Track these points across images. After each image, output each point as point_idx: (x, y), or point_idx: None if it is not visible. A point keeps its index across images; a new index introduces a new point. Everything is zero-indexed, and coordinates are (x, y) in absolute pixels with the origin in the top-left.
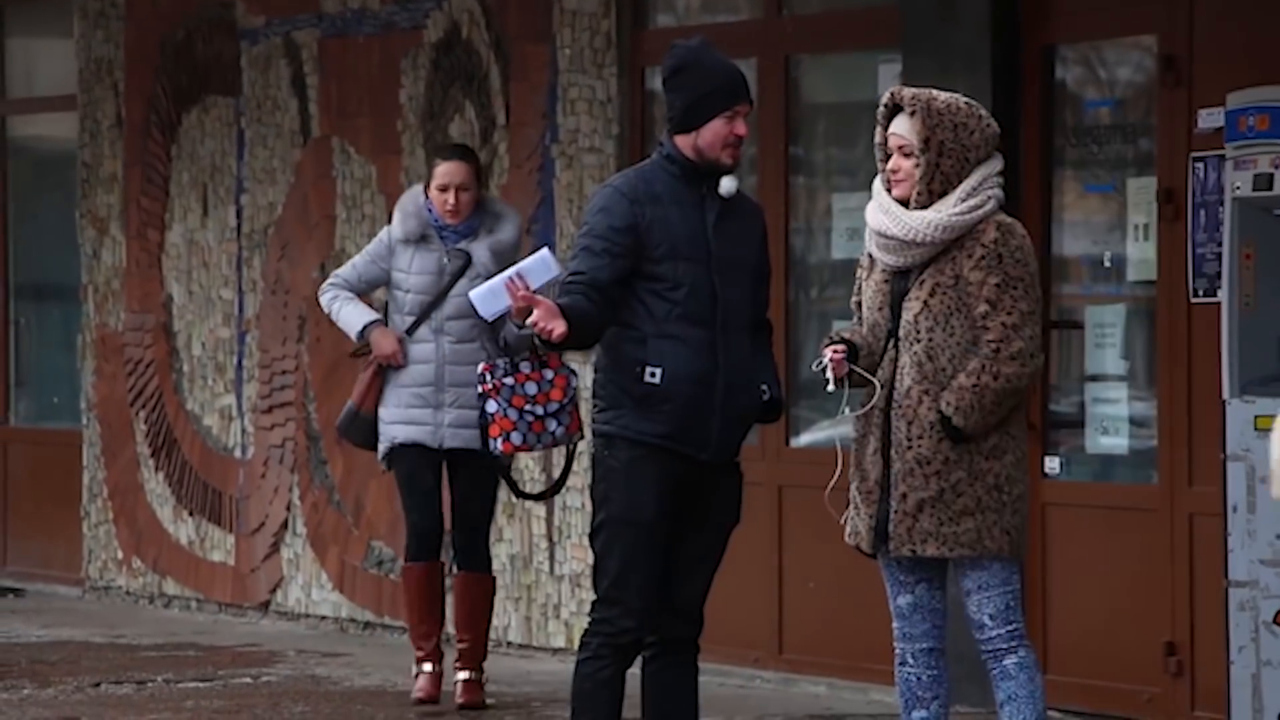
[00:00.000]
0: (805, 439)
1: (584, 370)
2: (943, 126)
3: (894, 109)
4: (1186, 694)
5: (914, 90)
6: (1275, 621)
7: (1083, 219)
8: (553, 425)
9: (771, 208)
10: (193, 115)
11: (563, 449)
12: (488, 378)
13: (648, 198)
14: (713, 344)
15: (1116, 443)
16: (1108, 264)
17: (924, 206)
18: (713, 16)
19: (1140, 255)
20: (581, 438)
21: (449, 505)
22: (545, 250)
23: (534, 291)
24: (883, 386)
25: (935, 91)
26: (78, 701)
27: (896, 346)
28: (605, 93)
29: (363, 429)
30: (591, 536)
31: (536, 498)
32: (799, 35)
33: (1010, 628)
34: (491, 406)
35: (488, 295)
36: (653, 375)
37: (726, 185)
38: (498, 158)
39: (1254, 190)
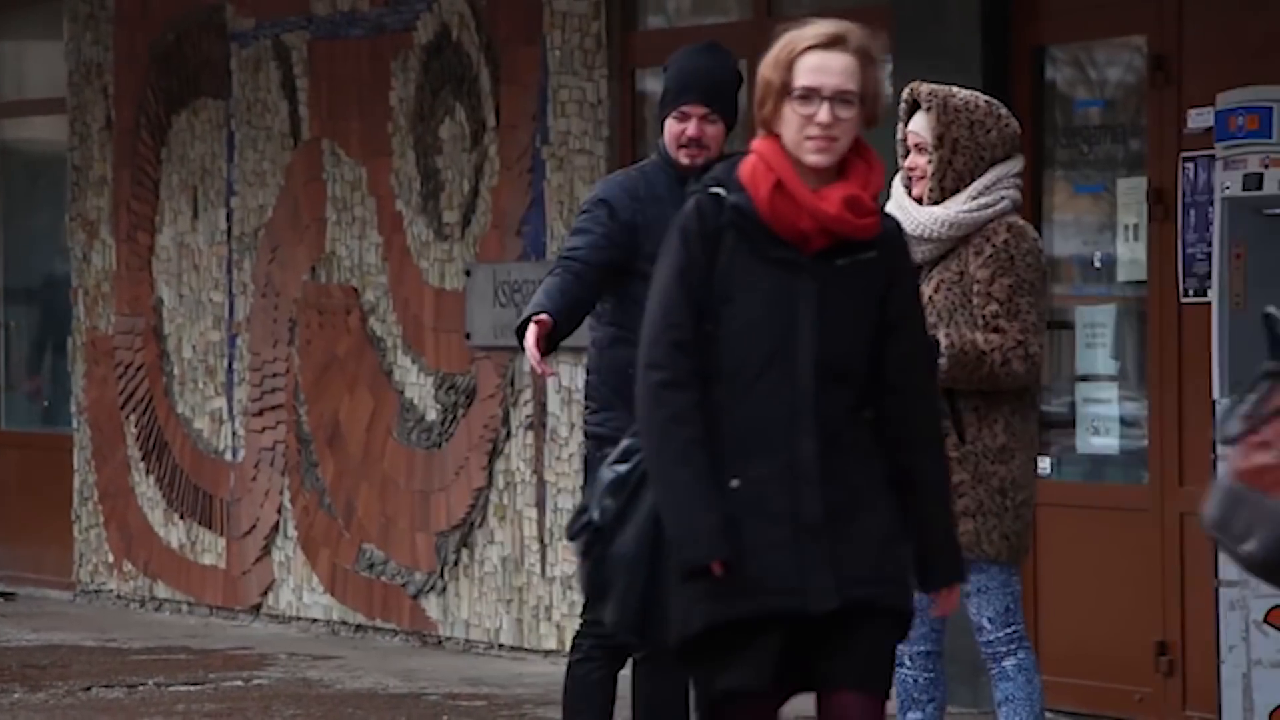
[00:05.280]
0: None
1: (576, 371)
2: (958, 124)
3: (914, 105)
4: (1178, 693)
5: (932, 86)
6: (1266, 621)
7: (1073, 219)
8: None
9: None
10: (182, 118)
11: None
12: None
13: (649, 197)
14: None
15: (1107, 443)
16: (1098, 264)
17: (936, 203)
18: (702, 18)
19: (1130, 255)
20: None
21: None
22: None
23: None
24: None
25: (955, 88)
26: (69, 706)
27: None
28: (595, 95)
29: None
30: None
31: None
32: None
33: (1010, 630)
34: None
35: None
36: None
37: None
38: (488, 160)
39: (1244, 190)
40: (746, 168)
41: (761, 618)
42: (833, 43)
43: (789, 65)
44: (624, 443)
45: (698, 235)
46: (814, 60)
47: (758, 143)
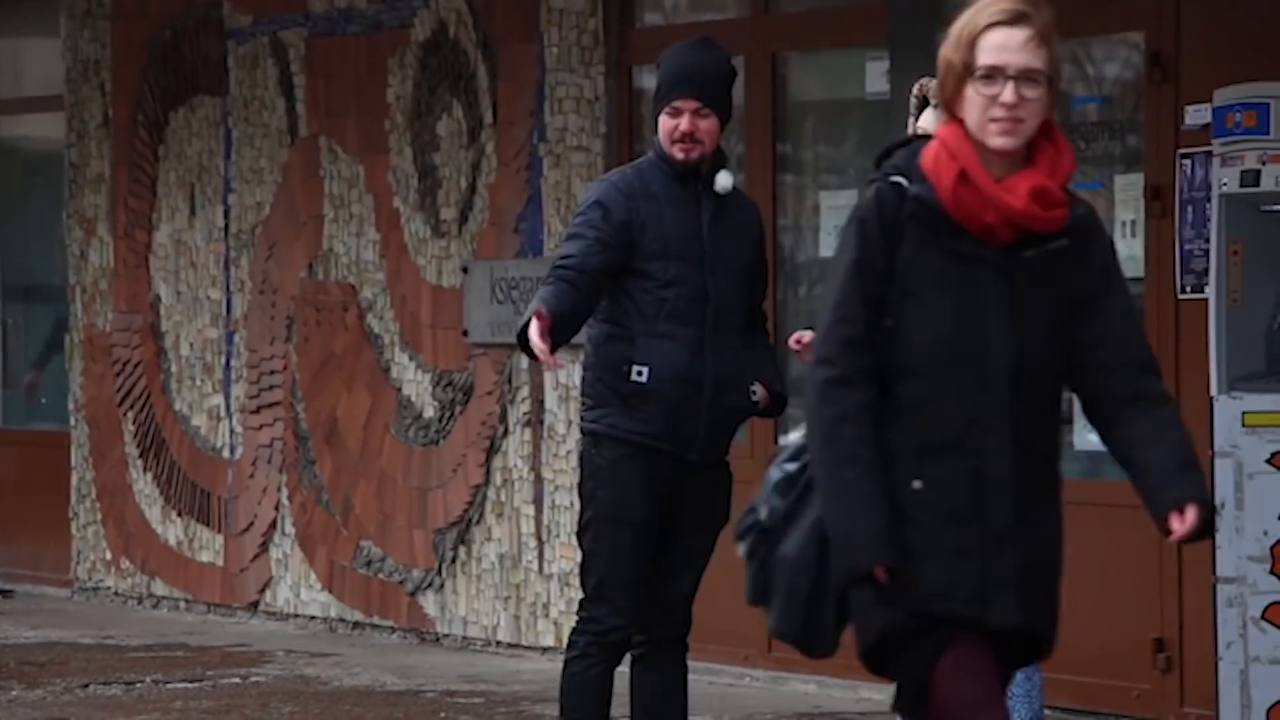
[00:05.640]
0: (795, 436)
1: (573, 368)
2: None
3: (924, 101)
4: (1175, 690)
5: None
6: (1263, 617)
7: None
8: None
9: (759, 205)
10: (180, 115)
11: None
12: None
13: (643, 195)
14: (701, 343)
15: None
16: None
17: None
18: (700, 15)
19: (1128, 252)
20: None
21: None
22: None
23: None
24: None
25: None
26: (66, 703)
27: None
28: (593, 91)
29: None
30: (579, 535)
31: None
32: (786, 33)
33: None
34: None
35: None
36: (639, 374)
37: (722, 181)
38: (485, 157)
39: (1241, 186)
40: (929, 156)
41: (943, 620)
42: (1016, 19)
43: (970, 44)
44: (795, 440)
45: (877, 227)
46: (997, 38)
47: (941, 128)
